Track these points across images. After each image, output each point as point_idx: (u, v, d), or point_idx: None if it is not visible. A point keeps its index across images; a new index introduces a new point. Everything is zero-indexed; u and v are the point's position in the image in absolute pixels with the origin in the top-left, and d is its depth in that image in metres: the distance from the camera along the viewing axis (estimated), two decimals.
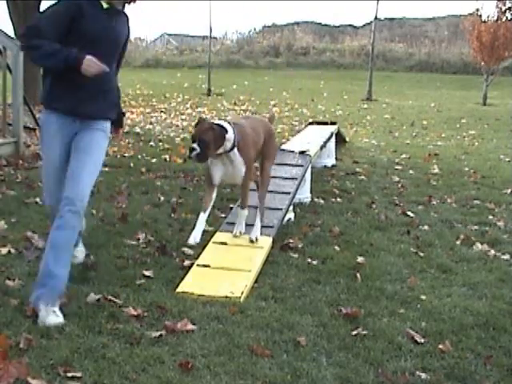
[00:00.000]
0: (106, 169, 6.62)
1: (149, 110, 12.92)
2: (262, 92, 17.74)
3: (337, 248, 4.48)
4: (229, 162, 3.92)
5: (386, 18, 31.19)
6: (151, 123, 10.92)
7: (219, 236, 4.28)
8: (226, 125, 3.84)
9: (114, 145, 8.13)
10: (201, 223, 3.87)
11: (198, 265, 3.81)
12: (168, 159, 7.43)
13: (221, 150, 3.81)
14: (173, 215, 5.06)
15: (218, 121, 3.93)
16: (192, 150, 3.72)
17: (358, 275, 3.91)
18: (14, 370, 2.50)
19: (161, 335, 2.95)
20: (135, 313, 3.15)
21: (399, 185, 6.72)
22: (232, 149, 3.85)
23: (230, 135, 3.82)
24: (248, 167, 3.98)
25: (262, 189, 4.40)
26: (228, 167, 3.94)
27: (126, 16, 3.36)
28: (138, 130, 9.93)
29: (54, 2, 3.19)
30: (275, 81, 21.24)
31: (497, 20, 17.13)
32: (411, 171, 7.48)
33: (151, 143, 8.61)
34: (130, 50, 26.91)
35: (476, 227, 5.20)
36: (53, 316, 2.97)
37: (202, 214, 3.90)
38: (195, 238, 3.79)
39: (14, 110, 7.10)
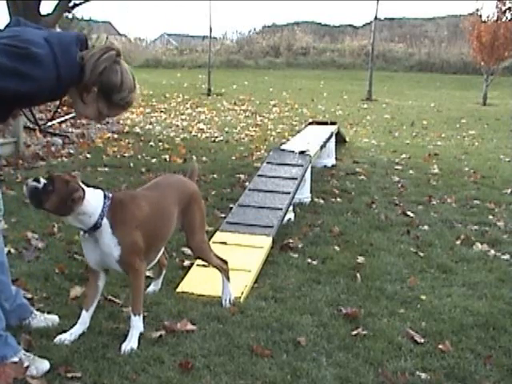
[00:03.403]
0: (106, 169, 6.63)
1: (149, 109, 12.91)
2: (262, 92, 17.73)
3: (337, 248, 4.48)
4: (97, 244, 2.86)
5: (385, 18, 31.22)
6: (151, 123, 10.91)
7: (219, 236, 4.28)
8: (95, 194, 2.84)
9: (113, 145, 8.14)
10: (82, 323, 2.96)
11: (197, 265, 3.81)
12: (168, 159, 7.43)
13: (70, 220, 2.79)
14: None
15: (93, 189, 2.86)
16: (36, 180, 2.71)
17: (358, 275, 3.91)
18: (10, 371, 2.50)
19: (161, 335, 2.95)
20: None
21: (399, 185, 6.72)
22: (96, 227, 2.81)
23: (92, 208, 2.79)
24: (126, 250, 2.86)
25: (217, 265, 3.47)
26: (98, 249, 2.87)
27: None
28: (137, 129, 9.93)
29: None
30: (275, 81, 21.23)
31: (497, 20, 17.10)
32: (411, 171, 7.48)
33: (151, 143, 8.61)
34: (130, 49, 26.94)
35: (476, 227, 5.20)
36: None
37: (83, 313, 2.98)
38: (66, 337, 2.88)
39: None
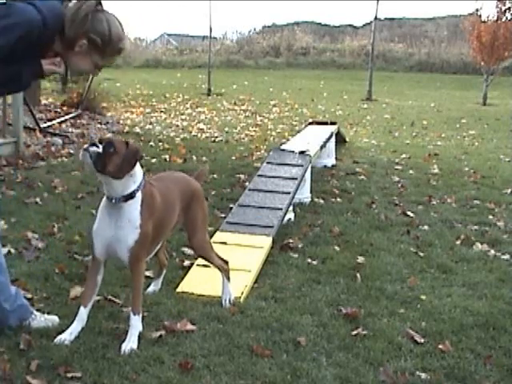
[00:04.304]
0: None
1: (149, 109, 12.91)
2: (262, 92, 17.73)
3: (337, 248, 4.48)
4: (118, 220, 2.82)
5: (385, 18, 31.20)
6: (151, 123, 10.91)
7: (219, 236, 4.28)
8: (139, 165, 2.87)
9: None
10: (79, 320, 2.92)
11: (197, 265, 3.81)
12: (168, 159, 7.42)
13: (116, 184, 2.77)
14: None
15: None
16: (93, 144, 2.71)
17: (358, 275, 3.91)
18: None
19: (161, 335, 2.95)
20: None
21: (399, 185, 6.72)
22: (131, 196, 2.81)
23: (139, 172, 2.85)
24: (141, 238, 2.84)
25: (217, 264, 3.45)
26: (116, 227, 2.82)
27: None
28: (137, 129, 9.93)
29: None
30: (275, 81, 21.23)
31: (497, 20, 17.10)
32: (411, 171, 7.48)
33: (151, 143, 8.61)
34: (130, 49, 26.95)
35: (476, 227, 5.20)
36: None
37: (81, 309, 2.93)
38: (66, 337, 2.85)
39: (14, 110, 7.10)
